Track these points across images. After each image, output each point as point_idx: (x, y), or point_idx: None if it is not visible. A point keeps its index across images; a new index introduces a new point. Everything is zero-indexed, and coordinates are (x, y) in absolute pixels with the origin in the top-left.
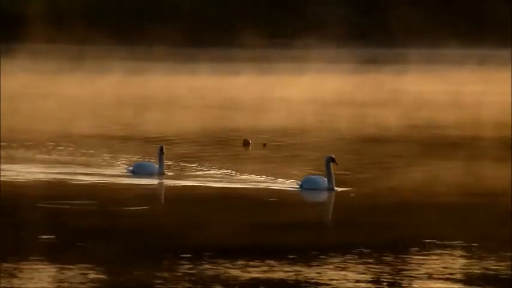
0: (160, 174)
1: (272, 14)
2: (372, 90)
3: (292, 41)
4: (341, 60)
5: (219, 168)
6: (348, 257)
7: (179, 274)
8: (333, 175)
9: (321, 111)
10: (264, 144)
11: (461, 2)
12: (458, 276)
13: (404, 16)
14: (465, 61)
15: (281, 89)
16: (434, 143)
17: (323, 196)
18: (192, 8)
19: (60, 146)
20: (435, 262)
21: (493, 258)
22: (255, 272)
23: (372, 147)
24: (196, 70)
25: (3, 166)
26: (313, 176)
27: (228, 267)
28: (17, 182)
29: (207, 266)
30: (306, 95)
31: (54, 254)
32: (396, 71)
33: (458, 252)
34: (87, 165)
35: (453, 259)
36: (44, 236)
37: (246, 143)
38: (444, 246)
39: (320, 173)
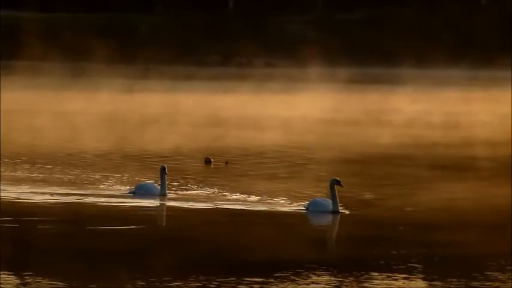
0: (162, 195)
1: (236, 34)
2: (357, 109)
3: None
4: (319, 80)
5: (222, 189)
6: (348, 277)
7: None
8: (337, 197)
9: (310, 130)
10: (226, 162)
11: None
12: None
13: (386, 35)
14: (449, 81)
15: (270, 108)
16: (430, 162)
17: (326, 219)
18: (158, 28)
19: (55, 165)
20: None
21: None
22: None
23: (367, 167)
24: (181, 87)
25: (3, 186)
26: (319, 199)
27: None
28: (18, 203)
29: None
30: (291, 114)
31: (59, 273)
32: (379, 91)
33: (468, 273)
34: (86, 185)
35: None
36: (46, 258)
37: (207, 161)
38: (450, 267)
39: (322, 195)
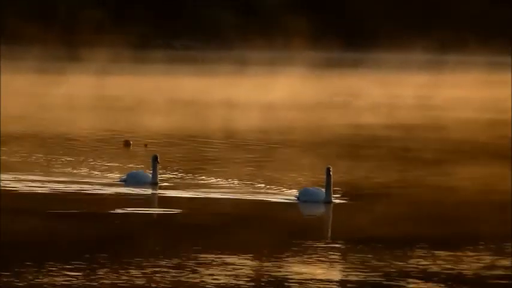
0: (154, 184)
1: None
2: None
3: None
4: (237, 63)
5: (210, 177)
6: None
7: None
8: (331, 186)
9: (265, 115)
10: (146, 145)
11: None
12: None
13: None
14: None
15: (187, 90)
16: (406, 144)
17: (318, 209)
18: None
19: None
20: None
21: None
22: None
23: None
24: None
25: None
26: (310, 188)
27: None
28: (5, 191)
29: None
30: (207, 96)
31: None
32: (297, 74)
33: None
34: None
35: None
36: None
37: (127, 144)
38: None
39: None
